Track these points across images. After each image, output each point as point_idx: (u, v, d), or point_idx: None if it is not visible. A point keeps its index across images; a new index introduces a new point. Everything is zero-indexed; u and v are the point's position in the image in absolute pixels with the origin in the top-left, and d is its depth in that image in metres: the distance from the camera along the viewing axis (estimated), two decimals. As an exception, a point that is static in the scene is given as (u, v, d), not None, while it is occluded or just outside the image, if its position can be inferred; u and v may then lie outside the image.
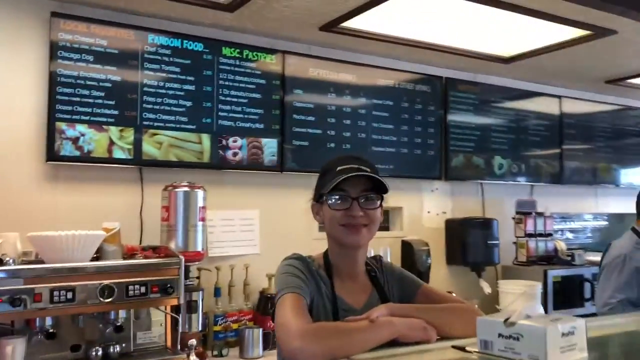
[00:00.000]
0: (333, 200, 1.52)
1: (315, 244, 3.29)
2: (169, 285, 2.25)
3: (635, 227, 2.85)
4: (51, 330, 2.05)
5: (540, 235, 3.95)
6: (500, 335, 1.22)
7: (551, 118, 4.36)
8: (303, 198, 3.38)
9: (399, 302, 1.59)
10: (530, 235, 3.91)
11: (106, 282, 2.15)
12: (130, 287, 2.19)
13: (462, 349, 1.29)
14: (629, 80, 4.20)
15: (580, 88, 4.51)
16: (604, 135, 4.68)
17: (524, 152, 4.18)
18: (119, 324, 2.20)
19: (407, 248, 3.59)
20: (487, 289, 3.68)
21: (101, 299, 2.13)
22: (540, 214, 4.00)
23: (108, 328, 2.26)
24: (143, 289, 2.21)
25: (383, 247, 3.47)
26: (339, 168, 1.51)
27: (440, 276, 3.77)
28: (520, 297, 2.55)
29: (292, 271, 1.50)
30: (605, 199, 4.76)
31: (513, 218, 3.98)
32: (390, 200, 3.71)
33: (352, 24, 3.04)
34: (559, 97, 4.41)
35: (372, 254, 3.38)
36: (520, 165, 4.16)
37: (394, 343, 1.35)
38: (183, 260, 2.34)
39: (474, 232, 3.72)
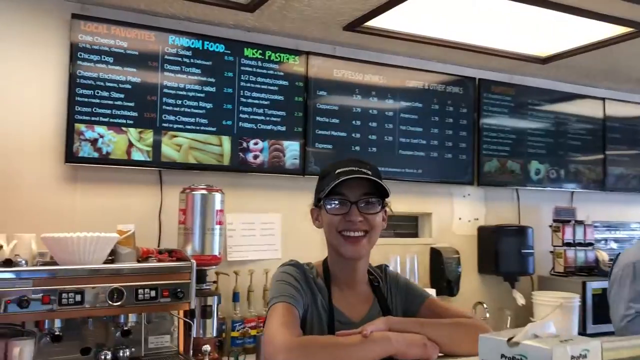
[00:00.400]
0: (331, 205, 1.43)
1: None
2: (179, 289, 2.20)
3: None
4: (57, 333, 2.03)
5: (580, 244, 3.74)
6: (503, 356, 1.11)
7: (594, 121, 4.13)
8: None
9: (403, 315, 1.49)
10: (568, 245, 3.71)
11: (116, 285, 2.11)
12: (140, 291, 2.15)
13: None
14: (678, 81, 3.95)
15: (625, 90, 4.27)
16: (652, 139, 4.42)
17: (563, 157, 3.98)
18: (126, 328, 2.16)
19: (436, 256, 3.46)
20: (521, 300, 3.51)
21: (110, 302, 2.10)
22: (580, 222, 3.79)
23: (118, 332, 2.22)
24: (153, 293, 2.17)
25: (410, 254, 3.36)
26: (337, 171, 1.43)
27: (472, 286, 3.62)
28: (556, 310, 2.39)
29: (287, 279, 1.43)
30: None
31: (550, 226, 3.79)
32: (419, 205, 3.59)
33: (377, 23, 2.95)
34: (603, 99, 4.18)
35: (398, 261, 3.28)
36: (559, 170, 3.96)
37: (390, 361, 1.25)
38: (195, 264, 2.29)
39: (507, 240, 3.55)
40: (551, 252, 3.78)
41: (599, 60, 3.51)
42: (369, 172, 1.43)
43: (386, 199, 1.47)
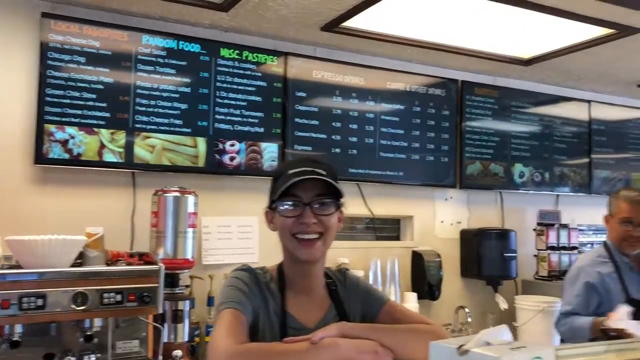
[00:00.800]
0: (284, 207, 1.38)
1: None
2: (145, 294, 2.15)
3: (607, 242, 2.69)
4: (15, 339, 1.97)
5: (564, 248, 3.70)
6: (453, 364, 1.07)
7: (579, 124, 4.10)
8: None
9: (362, 320, 1.45)
10: (552, 248, 3.67)
11: (80, 289, 2.06)
12: (105, 295, 2.10)
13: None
14: (663, 84, 3.92)
15: (611, 92, 4.24)
16: (638, 142, 4.39)
17: (548, 160, 3.94)
18: (89, 333, 2.11)
19: (417, 259, 3.42)
20: (504, 305, 3.47)
21: (74, 307, 2.05)
22: (564, 226, 3.75)
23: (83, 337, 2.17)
24: (119, 297, 2.12)
25: (391, 257, 3.32)
26: (290, 171, 1.38)
27: (454, 290, 3.57)
28: (538, 315, 2.38)
29: (236, 284, 1.38)
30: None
31: (534, 229, 3.75)
32: (401, 208, 3.55)
33: (356, 24, 2.92)
34: (588, 101, 4.15)
35: (379, 265, 3.24)
36: (543, 173, 3.92)
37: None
38: (162, 268, 2.24)
39: (489, 244, 3.51)
40: (535, 256, 3.74)
41: (582, 62, 3.48)
42: (323, 173, 1.38)
43: (341, 200, 1.42)
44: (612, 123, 4.25)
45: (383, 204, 3.44)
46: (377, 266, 3.25)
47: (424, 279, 3.36)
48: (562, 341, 2.68)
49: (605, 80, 3.90)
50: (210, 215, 2.91)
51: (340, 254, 3.21)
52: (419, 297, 3.31)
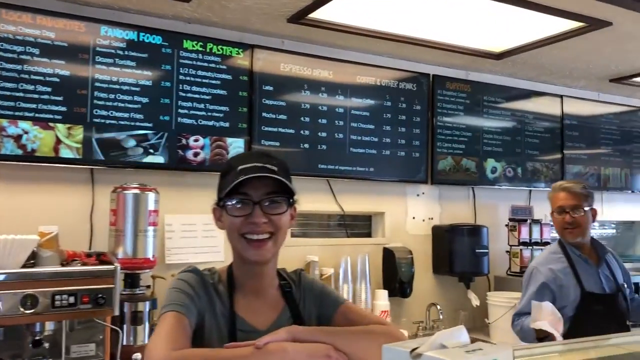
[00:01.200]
0: (232, 205, 1.30)
1: (287, 251, 3.13)
2: (100, 295, 2.06)
3: (560, 238, 2.71)
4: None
5: (536, 244, 3.67)
6: (405, 369, 1.00)
7: (552, 119, 4.08)
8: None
9: (317, 322, 1.38)
10: (524, 244, 3.64)
11: (29, 291, 1.97)
12: (57, 297, 2.01)
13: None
14: (634, 79, 3.91)
15: (583, 87, 4.23)
16: (610, 137, 4.39)
17: (520, 155, 3.92)
18: (37, 337, 2.01)
19: (388, 256, 3.37)
20: (475, 301, 3.43)
21: (23, 310, 1.95)
22: (536, 221, 3.72)
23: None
24: (72, 300, 2.03)
25: (362, 254, 3.26)
26: (240, 167, 1.30)
27: (426, 286, 3.53)
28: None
29: (181, 286, 1.30)
30: (612, 206, 4.46)
31: (506, 225, 3.72)
32: (372, 205, 3.49)
33: (324, 15, 2.84)
34: (561, 96, 4.14)
35: (349, 262, 3.18)
36: (516, 169, 3.90)
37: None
38: (119, 268, 2.15)
39: (461, 240, 3.47)
40: (507, 251, 3.71)
41: (553, 56, 3.45)
42: (274, 169, 1.30)
43: (294, 197, 1.35)
44: (585, 118, 4.25)
45: (354, 200, 3.38)
46: (348, 263, 3.19)
47: (395, 276, 3.30)
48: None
49: (577, 74, 3.88)
50: (173, 213, 2.82)
51: (310, 251, 3.15)
52: (390, 295, 3.26)
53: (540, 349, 1.07)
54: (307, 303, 1.40)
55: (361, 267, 3.23)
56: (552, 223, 3.82)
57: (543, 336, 2.26)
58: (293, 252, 3.12)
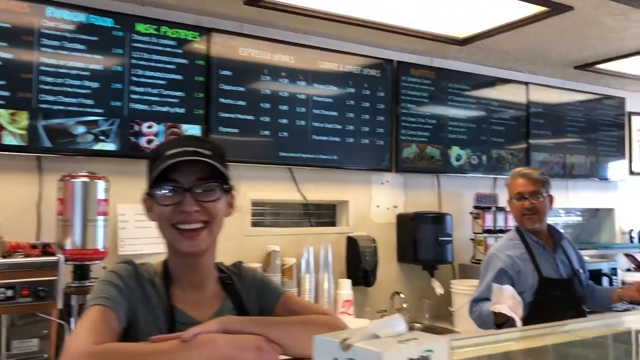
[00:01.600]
0: (161, 194, 1.23)
1: (247, 241, 3.07)
2: (41, 288, 1.96)
3: (519, 226, 2.70)
4: None
5: (501, 231, 3.66)
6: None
7: (517, 106, 4.07)
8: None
9: (259, 313, 1.31)
10: (489, 232, 3.63)
11: (-36, 284, 1.87)
12: (-6, 291, 1.91)
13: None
14: (598, 66, 3.91)
15: (548, 74, 4.23)
16: (575, 125, 4.40)
17: (485, 143, 3.90)
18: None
19: (352, 245, 3.32)
20: (439, 290, 3.41)
21: (-43, 304, 1.85)
22: (501, 209, 3.71)
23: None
24: (10, 293, 1.93)
25: (325, 244, 3.20)
26: (168, 152, 1.21)
27: (390, 275, 3.49)
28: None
29: (110, 278, 1.22)
30: (577, 193, 4.48)
31: (471, 213, 3.70)
32: (336, 193, 3.44)
33: (283, -2, 2.76)
34: (526, 83, 4.12)
35: (312, 252, 3.11)
36: (481, 156, 3.87)
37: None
38: (62, 259, 2.06)
39: (425, 228, 3.44)
40: (472, 239, 3.70)
41: (517, 42, 3.43)
42: (207, 153, 1.22)
43: (230, 183, 1.28)
44: (550, 106, 4.24)
45: (317, 189, 3.31)
46: (310, 253, 3.14)
47: (359, 265, 3.26)
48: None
49: (541, 61, 3.87)
50: (126, 203, 2.72)
51: (272, 241, 3.09)
52: (354, 284, 3.22)
53: (477, 339, 1.02)
54: (249, 295, 1.33)
55: (324, 256, 3.18)
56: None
57: (502, 321, 2.24)
58: (254, 242, 3.06)
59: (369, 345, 0.90)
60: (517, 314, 2.19)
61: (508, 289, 2.28)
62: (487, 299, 2.37)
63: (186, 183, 1.21)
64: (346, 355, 0.92)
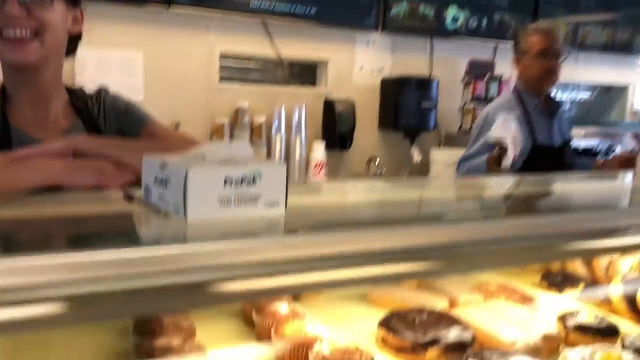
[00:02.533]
0: None
1: (214, 97, 2.95)
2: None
3: (516, 86, 2.55)
4: None
5: (492, 100, 3.46)
6: (156, 178, 0.86)
7: (529, -35, 3.67)
8: (198, 40, 2.93)
9: None
10: (478, 100, 3.43)
11: None
12: None
13: (130, 197, 0.94)
14: None
15: None
16: (594, -10, 3.99)
17: (487, 5, 3.56)
18: None
19: (329, 107, 3.18)
20: (417, 157, 3.30)
21: None
22: (495, 78, 3.48)
23: None
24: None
25: (299, 103, 3.07)
26: None
27: (369, 141, 3.37)
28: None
29: None
30: (588, 67, 4.17)
31: (462, 80, 3.48)
32: (314, 51, 3.23)
33: None
34: (542, -62, 3.69)
35: (283, 111, 2.99)
36: (481, 19, 3.56)
37: (58, 191, 0.98)
38: None
39: (408, 93, 3.25)
40: (461, 108, 3.51)
41: None
42: None
43: None
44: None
45: (294, 45, 3.11)
46: (282, 113, 3.02)
47: (334, 128, 3.14)
48: None
49: None
50: (84, 48, 2.58)
51: (241, 98, 2.96)
52: (329, 147, 3.13)
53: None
54: (108, 121, 1.25)
55: (298, 117, 3.06)
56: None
57: (497, 155, 2.07)
58: (221, 98, 2.94)
59: (181, 162, 0.81)
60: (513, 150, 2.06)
61: (514, 122, 2.12)
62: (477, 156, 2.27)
63: None
64: (164, 174, 0.84)
